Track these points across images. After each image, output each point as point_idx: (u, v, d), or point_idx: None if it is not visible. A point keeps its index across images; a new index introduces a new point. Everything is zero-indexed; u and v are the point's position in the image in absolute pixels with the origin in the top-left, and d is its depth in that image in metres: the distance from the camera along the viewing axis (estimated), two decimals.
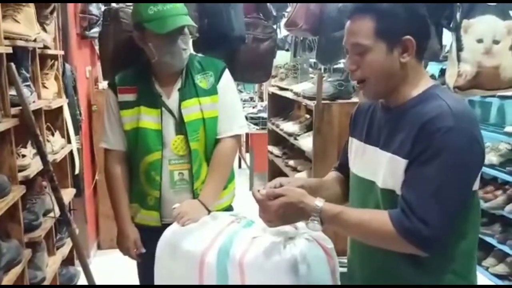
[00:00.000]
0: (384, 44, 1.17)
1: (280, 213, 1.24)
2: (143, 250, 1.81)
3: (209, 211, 1.73)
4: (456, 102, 1.16)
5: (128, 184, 1.84)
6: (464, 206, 1.15)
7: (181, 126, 1.76)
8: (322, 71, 3.48)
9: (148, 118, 1.75)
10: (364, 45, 1.18)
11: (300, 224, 1.54)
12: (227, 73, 1.83)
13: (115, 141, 1.81)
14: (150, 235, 1.69)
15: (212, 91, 1.78)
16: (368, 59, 1.19)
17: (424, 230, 1.09)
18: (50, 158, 2.10)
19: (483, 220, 3.26)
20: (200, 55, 1.86)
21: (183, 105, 1.75)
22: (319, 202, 1.21)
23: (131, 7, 1.83)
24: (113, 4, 2.04)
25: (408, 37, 1.16)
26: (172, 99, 1.77)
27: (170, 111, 1.77)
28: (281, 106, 4.23)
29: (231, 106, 1.82)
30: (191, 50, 1.78)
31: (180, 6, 1.69)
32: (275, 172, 4.01)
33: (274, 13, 2.44)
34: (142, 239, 1.83)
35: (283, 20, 3.00)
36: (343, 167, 1.46)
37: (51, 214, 2.11)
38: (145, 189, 1.81)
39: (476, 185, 1.19)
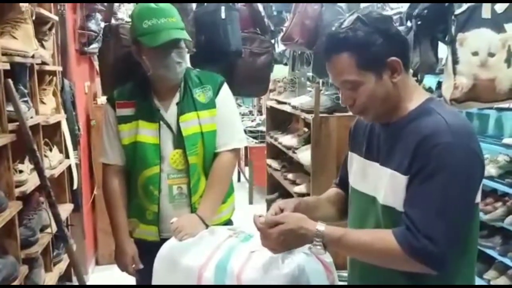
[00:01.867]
0: (371, 73, 1.17)
1: (281, 240, 1.23)
2: (141, 266, 1.80)
3: (207, 226, 1.72)
4: (453, 116, 1.16)
5: (126, 199, 1.83)
6: (468, 220, 1.15)
7: (179, 140, 1.75)
8: (320, 84, 3.50)
9: (146, 132, 1.75)
10: (352, 81, 1.18)
11: None
12: (225, 87, 1.84)
13: (113, 156, 1.82)
14: (149, 250, 1.68)
15: (211, 105, 1.78)
16: (361, 91, 1.19)
17: (431, 247, 1.08)
18: (48, 173, 2.10)
19: (483, 232, 3.24)
20: (197, 69, 1.87)
21: (181, 119, 1.76)
22: (320, 227, 1.20)
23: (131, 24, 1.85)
24: (113, 21, 2.07)
25: (393, 58, 1.17)
26: (170, 113, 1.77)
27: (168, 125, 1.77)
28: (280, 120, 4.24)
29: (229, 120, 1.82)
30: (187, 64, 1.80)
31: (176, 20, 1.70)
32: (274, 185, 4.00)
33: (272, 28, 2.47)
34: (141, 254, 1.81)
35: (281, 35, 3.02)
36: (343, 182, 1.46)
37: (48, 230, 2.09)
38: (143, 203, 1.80)
39: (478, 198, 1.18)
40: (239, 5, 2.13)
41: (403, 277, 1.19)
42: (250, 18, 2.06)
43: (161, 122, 1.76)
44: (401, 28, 4.58)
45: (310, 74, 4.17)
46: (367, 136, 1.32)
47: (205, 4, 2.10)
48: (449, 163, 1.09)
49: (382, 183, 1.22)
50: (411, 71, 2.32)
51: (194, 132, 1.76)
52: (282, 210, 1.33)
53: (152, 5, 1.67)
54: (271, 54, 2.19)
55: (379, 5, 4.69)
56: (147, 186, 1.77)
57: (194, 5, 2.09)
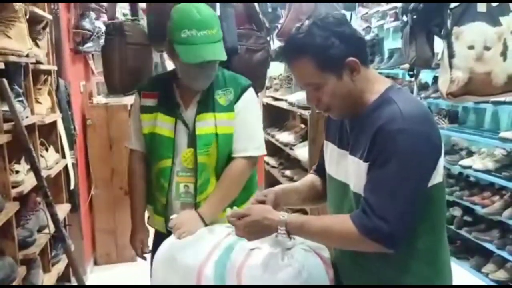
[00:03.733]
0: (332, 74, 1.23)
1: (248, 231, 1.34)
2: (147, 251, 1.89)
3: (206, 225, 1.72)
4: (408, 103, 1.22)
5: (146, 184, 1.89)
6: (420, 200, 1.21)
7: (193, 139, 1.76)
8: None
9: (163, 125, 1.78)
10: (314, 83, 1.25)
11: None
12: (249, 93, 1.81)
13: (136, 142, 1.88)
14: (160, 240, 1.71)
15: (229, 108, 1.77)
16: (324, 92, 1.25)
17: (384, 227, 1.16)
18: (44, 173, 2.09)
19: (480, 226, 3.26)
20: (226, 70, 1.85)
21: (198, 118, 1.76)
22: (283, 216, 1.29)
23: (135, 21, 1.85)
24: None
25: (350, 58, 1.23)
26: (189, 111, 1.78)
27: (184, 122, 1.78)
28: (276, 117, 4.23)
29: (248, 126, 1.79)
30: (216, 70, 1.77)
31: (216, 31, 1.65)
32: (272, 182, 3.98)
33: (267, 25, 2.46)
34: (156, 243, 1.85)
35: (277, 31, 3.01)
36: (321, 169, 1.52)
37: (46, 231, 2.08)
38: (155, 193, 1.85)
39: (436, 179, 1.24)
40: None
41: (370, 256, 1.25)
42: (245, 15, 2.05)
43: (178, 118, 1.77)
44: (396, 23, 4.61)
45: None
46: (339, 126, 1.38)
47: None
48: (400, 149, 1.16)
49: (352, 171, 1.29)
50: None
51: (208, 133, 1.75)
52: (261, 202, 1.45)
53: (195, 13, 1.63)
54: (267, 50, 2.19)
55: None
56: (159, 177, 1.81)
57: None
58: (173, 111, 1.78)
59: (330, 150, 1.43)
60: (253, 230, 1.34)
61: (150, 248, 1.93)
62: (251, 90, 1.82)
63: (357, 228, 1.19)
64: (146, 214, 1.97)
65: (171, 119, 1.78)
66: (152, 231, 1.97)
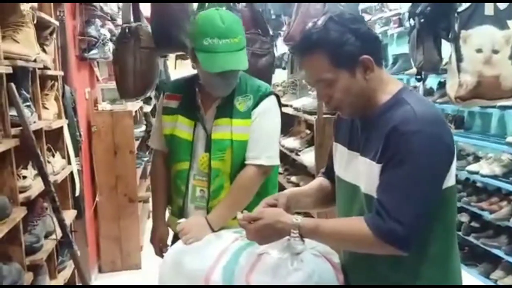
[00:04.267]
0: (345, 71, 1.22)
1: (260, 235, 1.32)
2: (165, 251, 1.85)
3: (214, 231, 1.71)
4: (421, 105, 1.21)
5: (168, 183, 1.89)
6: (435, 203, 1.20)
7: (209, 143, 1.76)
8: None
9: (183, 127, 1.79)
10: (327, 79, 1.23)
11: (307, 240, 1.53)
12: (269, 100, 1.78)
13: (157, 142, 1.91)
14: (176, 241, 1.72)
15: (247, 114, 1.75)
16: (336, 89, 1.24)
17: (399, 229, 1.14)
18: (51, 179, 2.08)
19: (488, 232, 3.23)
20: (249, 76, 1.83)
21: (215, 122, 1.75)
22: (296, 219, 1.27)
23: (148, 26, 1.85)
24: (112, 26, 2.07)
25: (365, 56, 1.22)
26: (209, 115, 1.78)
27: (203, 126, 1.78)
28: (281, 122, 4.21)
29: (263, 134, 1.76)
30: (237, 78, 1.75)
31: (239, 40, 1.63)
32: (278, 188, 3.97)
33: (271, 32, 2.46)
34: (173, 243, 1.82)
35: (279, 39, 3.01)
36: (330, 172, 1.50)
37: (53, 236, 2.07)
38: (173, 195, 1.86)
39: (449, 182, 1.23)
40: (240, 6, 2.12)
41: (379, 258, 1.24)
42: (251, 19, 2.05)
43: (198, 122, 1.78)
44: (400, 29, 4.60)
45: None
46: (349, 127, 1.37)
47: (206, 5, 2.09)
48: (415, 150, 1.15)
49: (362, 172, 1.27)
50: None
51: (224, 138, 1.74)
52: (272, 206, 1.41)
53: (218, 21, 1.61)
54: (272, 55, 2.19)
55: (378, 6, 4.71)
56: (176, 179, 1.82)
57: (195, 6, 2.08)
58: (193, 114, 1.78)
59: (340, 152, 1.42)
60: (266, 233, 1.31)
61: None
62: (271, 98, 1.79)
63: (372, 230, 1.17)
64: (167, 214, 1.97)
65: (190, 122, 1.78)
66: (172, 232, 1.96)
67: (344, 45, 1.21)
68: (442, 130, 1.20)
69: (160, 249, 1.91)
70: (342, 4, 2.30)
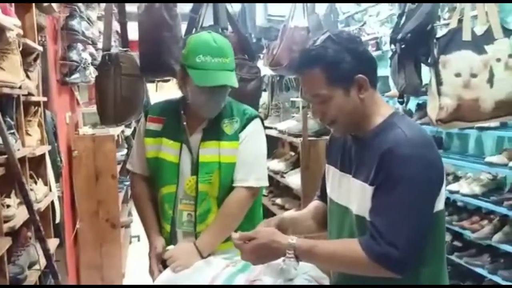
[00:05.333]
0: (340, 89, 1.26)
1: (256, 254, 1.31)
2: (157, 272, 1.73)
3: (203, 257, 1.68)
4: (412, 129, 1.24)
5: (154, 203, 1.84)
6: (428, 225, 1.22)
7: (196, 166, 1.74)
8: (301, 108, 3.53)
9: (168, 150, 1.77)
10: (322, 95, 1.27)
11: (300, 264, 1.53)
12: (255, 123, 1.80)
13: (138, 165, 1.87)
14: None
15: (234, 137, 1.75)
16: (330, 105, 1.27)
17: (393, 253, 1.15)
18: (34, 207, 2.03)
19: (471, 251, 3.27)
20: (234, 100, 1.84)
21: (202, 145, 1.75)
22: (291, 240, 1.27)
23: (130, 53, 1.84)
24: (93, 50, 2.07)
25: (359, 75, 1.25)
26: (194, 137, 1.77)
27: (189, 148, 1.76)
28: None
29: (251, 156, 1.77)
30: (226, 98, 1.76)
31: (229, 61, 1.67)
32: (262, 211, 3.96)
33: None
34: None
35: (260, 62, 3.06)
36: (323, 194, 1.53)
37: (36, 267, 2.01)
38: (160, 220, 1.81)
39: (441, 205, 1.26)
40: (227, 32, 2.15)
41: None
42: (238, 44, 2.08)
43: (184, 144, 1.76)
44: (377, 53, 4.72)
45: (292, 99, 4.21)
46: (341, 149, 1.39)
47: (193, 30, 2.11)
48: (408, 173, 1.17)
49: (354, 194, 1.29)
50: (396, 91, 2.40)
51: (212, 161, 1.73)
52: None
53: (211, 41, 1.65)
54: (259, 79, 2.21)
55: (355, 30, 4.83)
56: (163, 204, 1.79)
57: (183, 31, 2.10)
58: (179, 136, 1.77)
59: (332, 174, 1.43)
60: (261, 253, 1.30)
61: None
62: (257, 121, 1.81)
63: (366, 253, 1.18)
64: None
65: (176, 144, 1.77)
66: None
67: (340, 64, 1.24)
68: (432, 153, 1.23)
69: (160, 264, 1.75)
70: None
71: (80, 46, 3.65)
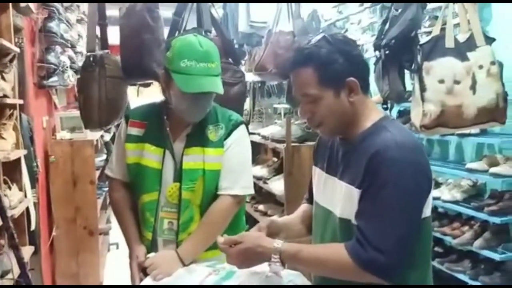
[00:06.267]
0: (330, 90, 1.24)
1: (241, 258, 1.30)
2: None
3: (184, 265, 1.64)
4: (401, 133, 1.22)
5: (132, 209, 1.78)
6: (416, 231, 1.20)
7: (179, 173, 1.69)
8: (283, 114, 3.52)
9: (150, 156, 1.71)
10: (312, 94, 1.25)
11: (283, 272, 1.50)
12: (240, 130, 1.75)
13: (117, 171, 1.81)
14: None
15: (218, 144, 1.71)
16: (319, 106, 1.25)
17: (381, 258, 1.13)
18: (8, 213, 1.95)
19: (452, 257, 3.28)
20: (219, 106, 1.80)
21: (186, 152, 1.69)
22: (277, 244, 1.26)
23: (114, 56, 1.79)
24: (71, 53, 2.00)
25: (351, 78, 1.24)
26: (178, 143, 1.71)
27: (172, 154, 1.71)
28: None
29: (237, 164, 1.72)
30: (211, 104, 1.71)
31: (215, 65, 1.61)
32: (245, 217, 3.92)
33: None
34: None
35: (241, 68, 3.02)
36: (312, 197, 1.50)
37: (9, 276, 1.92)
38: (141, 228, 1.75)
39: (427, 211, 1.24)
40: (211, 35, 2.11)
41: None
42: (222, 48, 2.04)
43: (167, 150, 1.70)
44: None
45: (275, 106, 4.20)
46: (329, 151, 1.38)
47: (176, 33, 2.07)
48: (396, 177, 1.15)
49: (339, 196, 1.27)
50: (379, 97, 2.41)
51: (195, 168, 1.68)
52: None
53: (197, 45, 1.59)
54: (244, 84, 2.18)
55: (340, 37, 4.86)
56: (144, 211, 1.72)
57: (165, 35, 2.05)
58: (162, 141, 1.71)
59: (318, 176, 1.42)
60: (246, 257, 1.30)
61: None
62: (242, 128, 1.77)
63: (353, 259, 1.16)
64: None
65: (159, 150, 1.71)
66: None
67: (333, 64, 1.23)
68: (421, 158, 1.21)
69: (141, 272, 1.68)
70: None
71: (58, 48, 3.57)
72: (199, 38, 1.64)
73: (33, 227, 2.60)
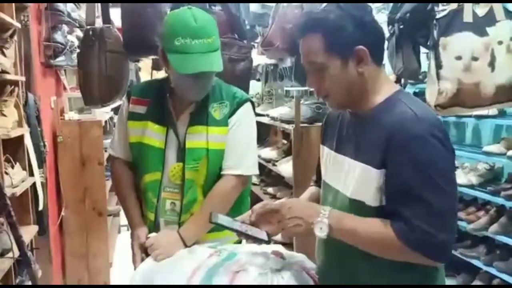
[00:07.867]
0: (337, 58, 1.17)
1: (292, 212, 1.22)
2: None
3: (186, 246, 1.60)
4: (419, 107, 1.16)
5: (134, 188, 1.75)
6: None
7: (182, 152, 1.63)
8: (294, 95, 3.44)
9: (153, 135, 1.66)
10: (318, 63, 1.18)
11: (287, 253, 1.46)
12: (245, 108, 1.68)
13: (120, 150, 1.77)
14: None
15: (223, 122, 1.64)
16: (326, 75, 1.19)
17: (433, 239, 1.08)
18: (9, 192, 1.92)
19: (466, 242, 3.21)
20: (224, 82, 1.73)
21: (189, 130, 1.63)
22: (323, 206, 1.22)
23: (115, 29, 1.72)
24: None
25: (360, 47, 1.16)
26: (181, 122, 1.66)
27: (175, 133, 1.65)
28: (257, 133, 4.13)
29: (241, 143, 1.66)
30: (213, 82, 1.64)
31: (213, 40, 1.51)
32: (254, 200, 3.87)
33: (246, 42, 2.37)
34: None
35: (254, 51, 2.93)
36: (319, 179, 1.45)
37: (10, 254, 1.90)
38: (143, 209, 1.72)
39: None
40: (216, 9, 2.03)
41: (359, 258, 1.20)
42: (227, 23, 1.96)
43: (170, 129, 1.65)
44: None
45: (286, 88, 4.12)
46: (338, 129, 1.31)
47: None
48: (426, 154, 1.09)
49: (351, 176, 1.21)
50: (392, 76, 2.32)
51: (199, 147, 1.62)
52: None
53: (191, 19, 1.49)
54: (250, 60, 2.10)
55: None
56: (146, 191, 1.68)
57: (168, 8, 1.97)
58: (165, 120, 1.65)
59: (326, 155, 1.35)
60: (294, 213, 1.21)
61: None
62: (248, 105, 1.70)
63: (402, 242, 1.10)
64: None
65: (162, 129, 1.65)
66: None
67: (340, 30, 1.15)
68: (443, 132, 1.15)
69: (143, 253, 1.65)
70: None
71: (65, 28, 3.52)
72: (193, 11, 1.53)
73: (41, 207, 2.59)
